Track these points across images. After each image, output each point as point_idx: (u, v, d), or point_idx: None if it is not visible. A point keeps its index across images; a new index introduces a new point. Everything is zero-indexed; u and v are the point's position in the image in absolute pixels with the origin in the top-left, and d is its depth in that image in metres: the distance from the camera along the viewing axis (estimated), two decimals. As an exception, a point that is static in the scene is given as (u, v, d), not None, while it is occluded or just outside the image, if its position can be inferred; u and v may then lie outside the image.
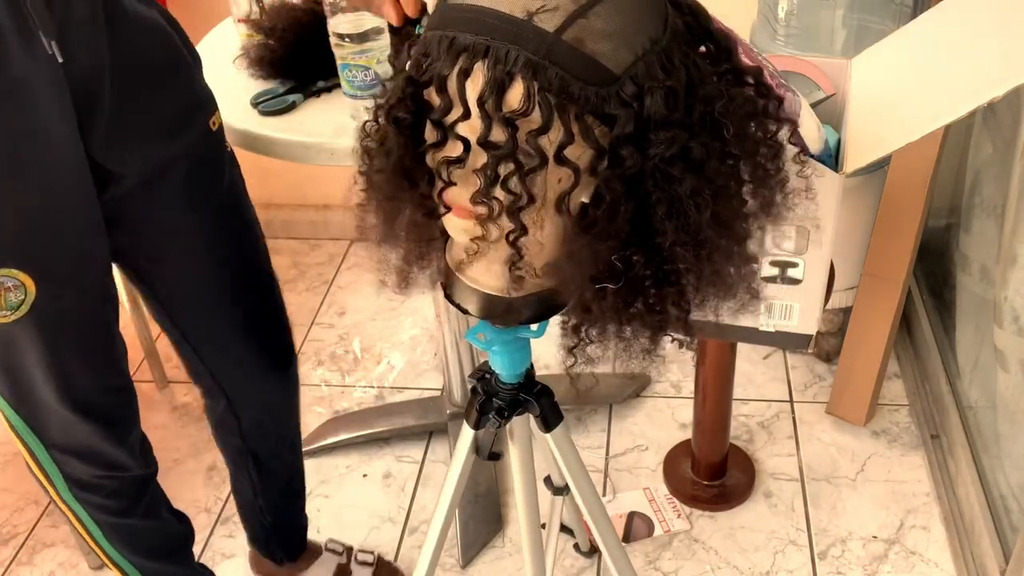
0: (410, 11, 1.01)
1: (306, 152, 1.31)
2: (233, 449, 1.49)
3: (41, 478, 1.23)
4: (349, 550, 1.69)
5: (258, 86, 1.40)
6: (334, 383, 2.14)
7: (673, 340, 0.84)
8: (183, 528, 1.48)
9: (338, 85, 1.37)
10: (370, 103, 0.79)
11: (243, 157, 1.48)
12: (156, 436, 2.00)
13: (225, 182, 1.22)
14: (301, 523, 1.64)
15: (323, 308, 2.37)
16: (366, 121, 0.79)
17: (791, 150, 0.80)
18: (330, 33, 1.30)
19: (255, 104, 1.35)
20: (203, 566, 1.57)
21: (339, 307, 2.37)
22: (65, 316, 1.08)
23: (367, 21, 1.27)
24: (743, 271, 0.80)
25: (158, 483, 1.40)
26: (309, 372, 2.17)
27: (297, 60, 1.39)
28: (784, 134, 0.79)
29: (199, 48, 1.55)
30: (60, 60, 0.94)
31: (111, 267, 1.15)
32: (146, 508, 1.36)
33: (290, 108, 1.35)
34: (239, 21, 1.48)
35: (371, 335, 2.27)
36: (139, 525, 1.36)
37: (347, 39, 1.28)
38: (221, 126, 1.20)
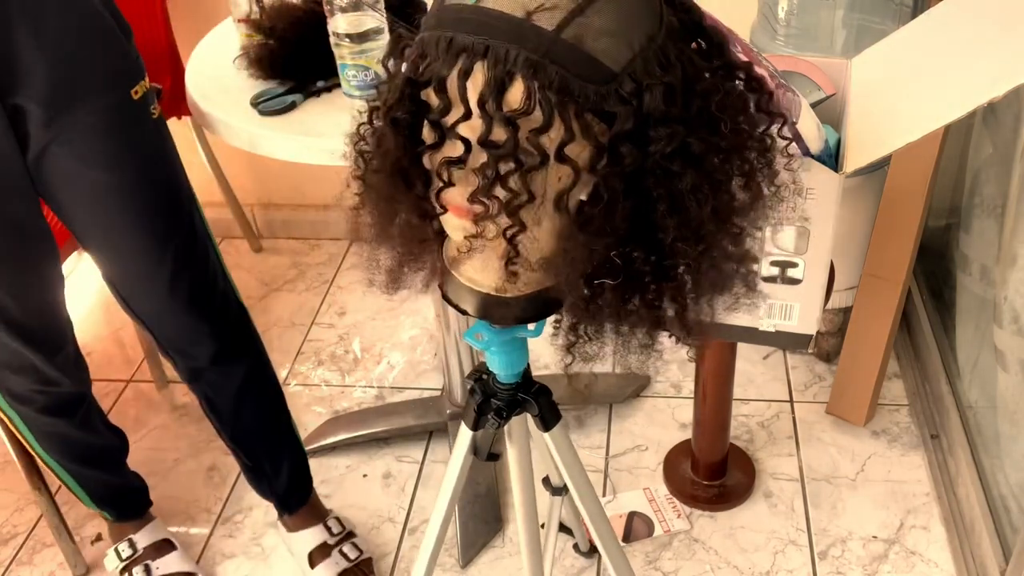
0: None
1: (306, 152, 1.31)
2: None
3: None
4: (348, 535, 1.71)
5: (258, 86, 1.40)
6: (334, 383, 2.14)
7: (670, 336, 0.84)
8: (118, 442, 1.63)
9: (338, 85, 1.37)
10: (366, 105, 0.79)
11: (243, 157, 1.48)
12: (156, 436, 2.02)
13: (144, 149, 1.26)
14: (292, 466, 1.65)
15: (323, 308, 2.37)
16: (360, 124, 0.79)
17: (780, 143, 0.80)
18: (330, 33, 1.30)
19: (255, 104, 1.35)
20: (135, 474, 1.70)
21: (339, 307, 2.37)
22: None
23: (367, 21, 1.27)
24: (741, 267, 0.80)
25: (94, 400, 1.55)
26: (309, 372, 2.17)
27: (297, 60, 1.39)
28: (775, 128, 0.79)
29: (199, 48, 1.56)
30: None
31: (38, 209, 1.25)
32: (80, 421, 1.51)
33: (290, 108, 1.35)
34: (239, 21, 1.47)
35: (371, 335, 2.27)
36: (72, 435, 1.51)
37: (347, 39, 1.28)
38: (147, 95, 1.24)
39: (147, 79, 1.24)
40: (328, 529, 1.69)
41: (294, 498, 1.69)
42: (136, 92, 1.22)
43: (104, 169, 1.22)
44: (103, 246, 1.32)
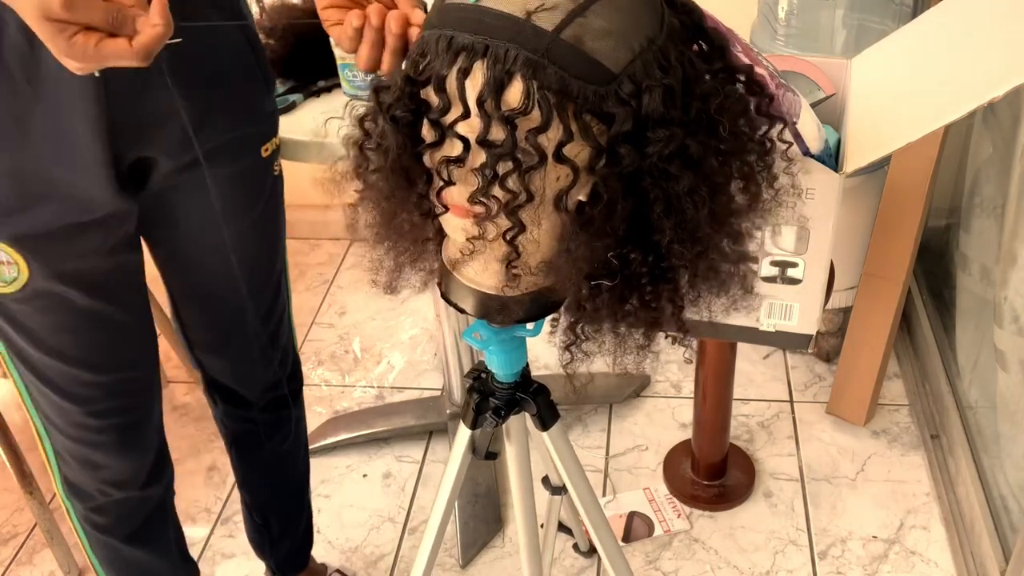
0: (386, 66, 0.80)
1: (306, 152, 1.31)
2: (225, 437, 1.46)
3: (45, 461, 1.19)
4: None
5: (258, 86, 1.40)
6: (334, 383, 2.14)
7: (667, 336, 0.84)
8: (186, 571, 1.40)
9: (338, 85, 1.37)
10: (363, 100, 0.79)
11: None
12: (156, 436, 2.02)
13: (258, 207, 1.18)
14: (298, 532, 1.57)
15: (323, 308, 2.37)
16: (363, 117, 0.79)
17: (780, 147, 0.80)
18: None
19: (255, 104, 1.35)
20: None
21: (339, 307, 2.37)
22: (63, 303, 1.04)
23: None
24: (739, 268, 0.80)
25: (167, 513, 1.34)
26: (309, 372, 2.17)
27: (297, 60, 1.39)
28: (775, 131, 0.79)
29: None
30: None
31: (134, 270, 1.11)
32: (141, 537, 1.28)
33: (290, 108, 1.35)
34: (239, 21, 1.48)
35: (371, 335, 2.27)
36: (127, 552, 1.28)
37: (346, 39, 1.28)
38: (275, 153, 1.16)
39: (278, 135, 1.16)
40: None
41: (291, 565, 1.59)
42: (266, 150, 1.14)
43: (214, 224, 1.12)
44: (185, 289, 1.23)
